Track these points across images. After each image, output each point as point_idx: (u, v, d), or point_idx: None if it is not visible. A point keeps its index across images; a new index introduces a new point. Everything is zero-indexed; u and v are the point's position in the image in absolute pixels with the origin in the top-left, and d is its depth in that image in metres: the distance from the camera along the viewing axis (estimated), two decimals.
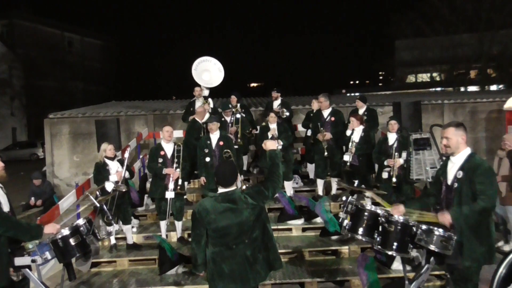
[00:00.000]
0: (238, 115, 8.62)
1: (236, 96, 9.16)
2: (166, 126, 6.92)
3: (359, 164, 7.31)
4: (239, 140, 8.31)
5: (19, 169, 18.62)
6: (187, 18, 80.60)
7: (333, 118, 7.84)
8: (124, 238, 6.83)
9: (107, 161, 6.48)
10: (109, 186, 6.19)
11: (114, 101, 17.39)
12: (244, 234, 3.59)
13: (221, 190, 3.63)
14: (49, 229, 3.85)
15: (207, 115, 8.58)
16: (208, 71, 9.36)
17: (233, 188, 3.62)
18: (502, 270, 3.90)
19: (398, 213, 3.84)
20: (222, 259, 3.59)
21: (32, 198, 10.03)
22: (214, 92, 10.25)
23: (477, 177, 3.65)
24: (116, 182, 6.23)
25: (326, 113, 7.92)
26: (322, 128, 7.71)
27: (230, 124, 8.52)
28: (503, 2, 27.99)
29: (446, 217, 3.62)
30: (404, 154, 6.68)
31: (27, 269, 3.69)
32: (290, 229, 7.09)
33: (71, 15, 64.12)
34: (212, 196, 3.68)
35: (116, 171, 6.44)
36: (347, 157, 7.29)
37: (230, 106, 8.66)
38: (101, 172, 6.40)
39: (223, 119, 8.48)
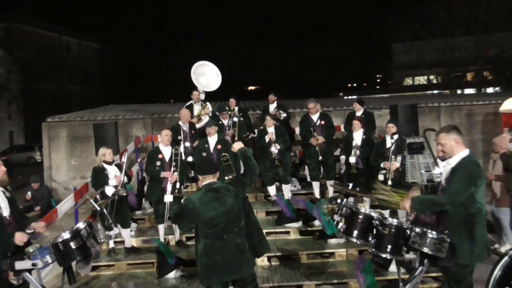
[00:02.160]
0: (235, 119, 8.63)
1: (234, 99, 9.20)
2: (165, 130, 6.90)
3: (364, 166, 7.38)
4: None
5: (16, 173, 18.57)
6: (185, 21, 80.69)
7: (323, 122, 7.92)
8: (122, 242, 6.84)
9: (105, 165, 6.45)
10: (109, 191, 6.21)
11: (112, 105, 17.42)
12: (232, 223, 3.83)
13: (205, 182, 3.92)
14: (19, 239, 3.91)
15: (205, 120, 8.60)
16: (205, 75, 9.40)
17: (214, 180, 3.94)
18: (497, 272, 3.96)
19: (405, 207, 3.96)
20: (215, 251, 3.78)
21: (29, 193, 10.02)
22: (212, 95, 10.29)
23: (455, 176, 3.72)
24: (115, 187, 6.25)
25: (315, 117, 7.99)
26: (314, 133, 7.77)
27: (227, 127, 8.54)
28: (499, 5, 28.18)
29: (406, 204, 3.77)
30: (398, 158, 6.74)
31: (27, 273, 3.72)
32: (288, 232, 7.12)
33: (69, 19, 64.11)
34: (198, 190, 3.96)
35: (114, 175, 6.42)
36: (353, 159, 7.36)
37: (226, 108, 8.68)
38: (100, 176, 6.37)
39: (220, 122, 8.51)
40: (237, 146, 4.24)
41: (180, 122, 8.18)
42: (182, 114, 8.20)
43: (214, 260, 3.76)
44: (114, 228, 6.22)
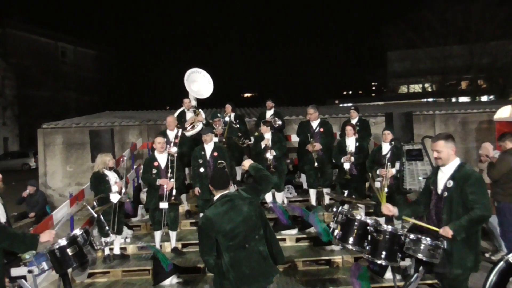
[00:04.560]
0: (227, 118, 8.62)
1: (230, 105, 9.23)
2: (158, 138, 6.91)
3: (357, 173, 7.42)
4: (224, 139, 8.26)
5: (10, 179, 18.46)
6: (181, 28, 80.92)
7: (322, 129, 7.96)
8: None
9: (106, 171, 6.51)
10: (114, 197, 6.30)
11: (107, 111, 17.39)
12: (252, 231, 3.73)
13: (217, 195, 3.82)
14: (45, 237, 3.87)
15: (198, 127, 8.58)
16: (197, 82, 9.40)
17: (227, 190, 3.84)
18: (492, 277, 4.00)
19: (388, 211, 4.05)
20: (240, 262, 3.67)
21: (27, 191, 9.97)
22: (207, 102, 10.30)
23: (469, 187, 3.75)
24: (119, 193, 6.33)
25: (315, 124, 8.03)
26: (312, 139, 7.81)
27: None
28: (492, 14, 28.49)
29: (448, 232, 3.72)
30: (397, 165, 6.77)
31: (23, 280, 3.71)
32: (284, 239, 7.11)
33: (64, 25, 64.05)
34: (211, 204, 3.84)
35: (115, 181, 6.49)
36: (347, 166, 7.39)
37: (218, 115, 8.68)
38: (101, 182, 6.42)
39: (214, 129, 8.51)
40: (247, 163, 4.15)
41: (167, 130, 8.15)
42: (168, 122, 8.16)
43: (242, 272, 3.65)
44: (111, 235, 6.22)
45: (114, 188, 6.40)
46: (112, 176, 6.55)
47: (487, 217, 3.80)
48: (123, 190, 6.43)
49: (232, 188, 3.92)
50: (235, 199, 3.75)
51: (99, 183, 6.43)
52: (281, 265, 6.27)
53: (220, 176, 3.90)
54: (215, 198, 3.84)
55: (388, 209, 4.10)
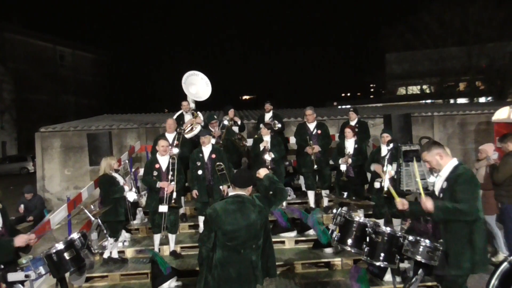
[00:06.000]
0: (225, 122, 8.66)
1: (232, 109, 9.26)
2: (162, 141, 6.88)
3: (354, 175, 7.41)
4: (221, 142, 8.27)
5: (9, 183, 18.43)
6: (179, 31, 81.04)
7: (319, 131, 7.98)
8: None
9: (113, 173, 6.58)
10: (131, 196, 6.41)
11: (105, 115, 17.36)
12: (251, 239, 3.70)
13: (232, 193, 3.80)
14: (19, 241, 3.84)
15: (196, 129, 8.56)
16: (195, 85, 9.39)
17: (244, 192, 3.79)
18: (494, 281, 3.97)
19: (402, 205, 4.02)
20: (230, 263, 3.65)
21: (22, 206, 9.93)
22: (206, 105, 10.29)
23: (459, 185, 3.75)
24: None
25: (312, 126, 8.04)
26: (310, 142, 7.80)
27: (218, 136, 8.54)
28: (490, 16, 28.60)
29: (429, 203, 3.74)
30: (394, 166, 6.76)
31: (20, 285, 3.67)
32: (283, 242, 7.10)
33: (63, 29, 64.14)
34: (223, 199, 3.84)
35: (123, 183, 6.56)
36: (344, 167, 7.38)
37: (215, 117, 8.69)
38: (113, 183, 6.46)
39: (211, 131, 8.50)
40: (263, 172, 4.12)
41: (166, 133, 8.13)
42: (169, 124, 8.13)
43: (228, 272, 3.63)
44: (109, 238, 6.20)
45: (126, 188, 6.50)
46: (119, 178, 6.63)
47: (468, 214, 3.71)
48: (133, 189, 6.58)
49: (232, 190, 3.89)
50: (246, 202, 3.71)
51: (111, 185, 6.46)
52: (280, 268, 6.29)
53: (246, 176, 3.87)
54: (230, 194, 3.83)
55: (403, 203, 4.05)
